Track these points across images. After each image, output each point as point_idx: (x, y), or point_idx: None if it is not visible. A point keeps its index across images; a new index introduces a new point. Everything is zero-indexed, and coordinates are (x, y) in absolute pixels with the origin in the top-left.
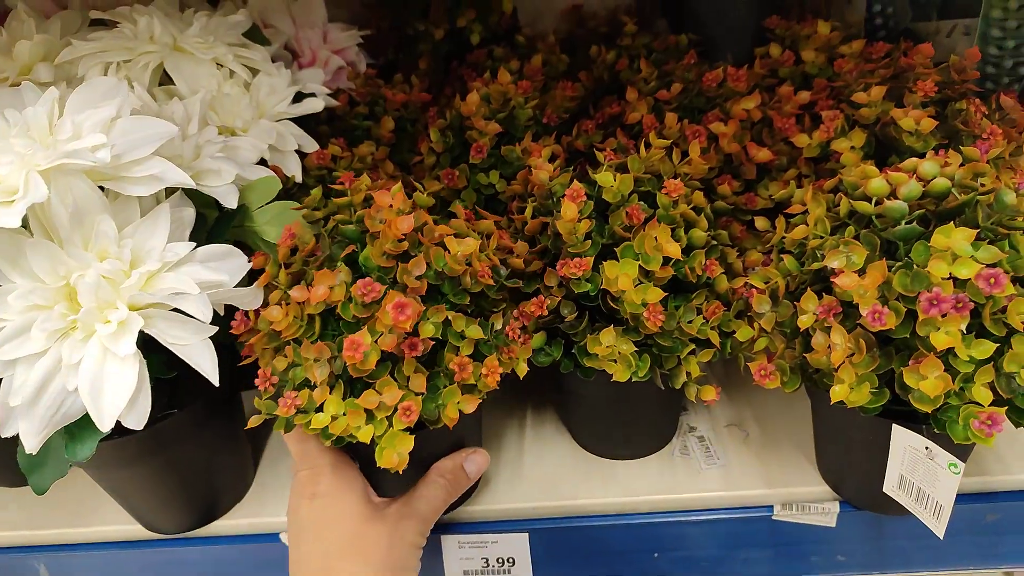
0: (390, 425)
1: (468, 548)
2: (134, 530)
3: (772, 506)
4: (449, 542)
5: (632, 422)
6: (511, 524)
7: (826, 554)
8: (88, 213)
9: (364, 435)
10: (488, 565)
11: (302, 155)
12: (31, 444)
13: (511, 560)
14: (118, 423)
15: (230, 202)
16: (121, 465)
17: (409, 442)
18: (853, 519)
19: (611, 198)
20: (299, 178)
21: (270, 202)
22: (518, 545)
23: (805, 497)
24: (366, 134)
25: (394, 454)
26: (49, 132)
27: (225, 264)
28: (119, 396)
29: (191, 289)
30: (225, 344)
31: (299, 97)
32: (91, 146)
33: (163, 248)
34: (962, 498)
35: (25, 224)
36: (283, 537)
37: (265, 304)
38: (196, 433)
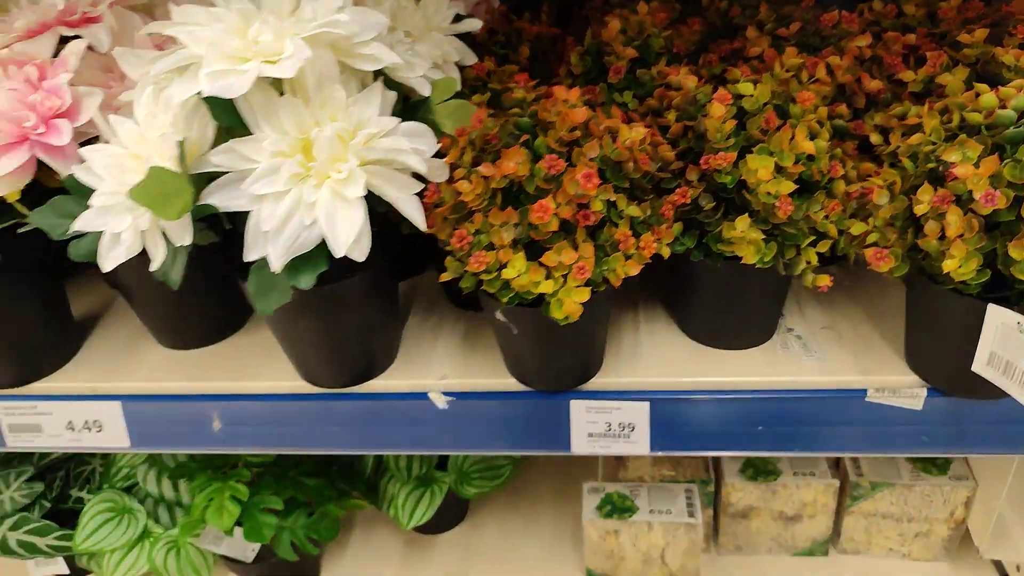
0: (564, 283)
1: (594, 413)
2: (295, 385)
3: (866, 390)
4: (577, 407)
5: (740, 316)
6: (633, 394)
7: (911, 434)
8: (327, 80)
9: (545, 287)
10: (610, 429)
11: (460, 68)
12: (276, 265)
13: (631, 426)
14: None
15: (424, 91)
16: (305, 317)
17: (584, 295)
18: (938, 404)
19: (750, 106)
20: (458, 86)
21: (448, 99)
22: (639, 413)
23: (896, 384)
24: (504, 60)
25: (572, 303)
26: (290, 15)
27: (420, 140)
28: (350, 230)
29: (406, 148)
30: (392, 230)
31: (457, 18)
32: (338, 20)
33: (376, 119)
34: None
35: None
36: (431, 396)
37: (450, 180)
38: (366, 298)
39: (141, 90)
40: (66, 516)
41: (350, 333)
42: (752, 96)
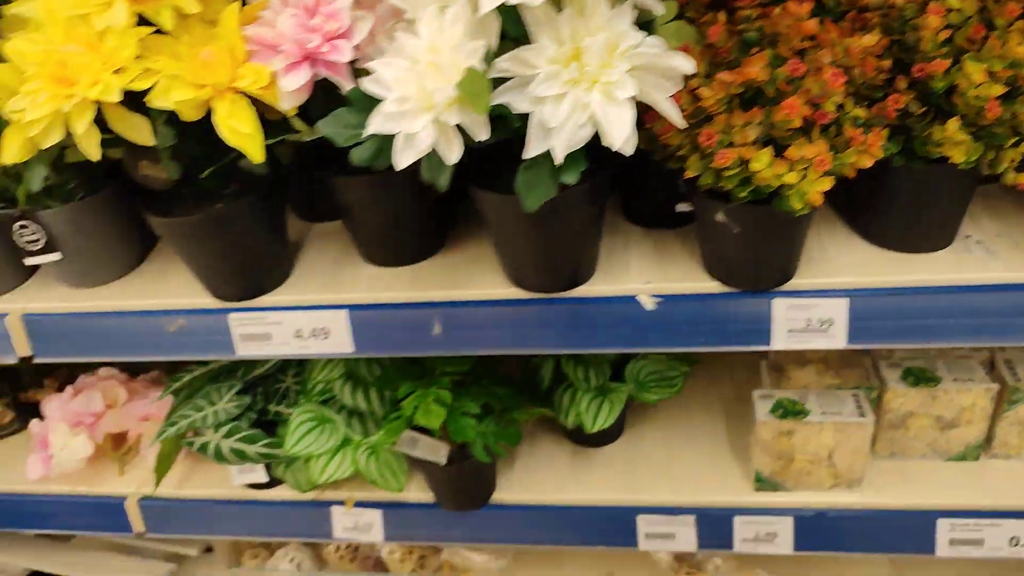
0: (805, 175)
1: (795, 310)
2: (510, 292)
3: None
4: (779, 305)
5: (927, 221)
6: (831, 292)
7: None
8: None
9: (788, 179)
10: (809, 325)
11: None
12: (559, 155)
13: (830, 321)
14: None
15: (658, 10)
16: (533, 223)
17: (827, 183)
18: None
19: (956, 19)
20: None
21: (668, 22)
22: (838, 308)
23: None
24: None
25: (815, 192)
26: None
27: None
28: (622, 127)
29: (669, 54)
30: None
31: None
32: None
33: (631, 32)
34: None
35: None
36: (640, 299)
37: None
38: (586, 207)
39: (424, 9)
40: (266, 427)
41: (571, 240)
42: (959, 10)
